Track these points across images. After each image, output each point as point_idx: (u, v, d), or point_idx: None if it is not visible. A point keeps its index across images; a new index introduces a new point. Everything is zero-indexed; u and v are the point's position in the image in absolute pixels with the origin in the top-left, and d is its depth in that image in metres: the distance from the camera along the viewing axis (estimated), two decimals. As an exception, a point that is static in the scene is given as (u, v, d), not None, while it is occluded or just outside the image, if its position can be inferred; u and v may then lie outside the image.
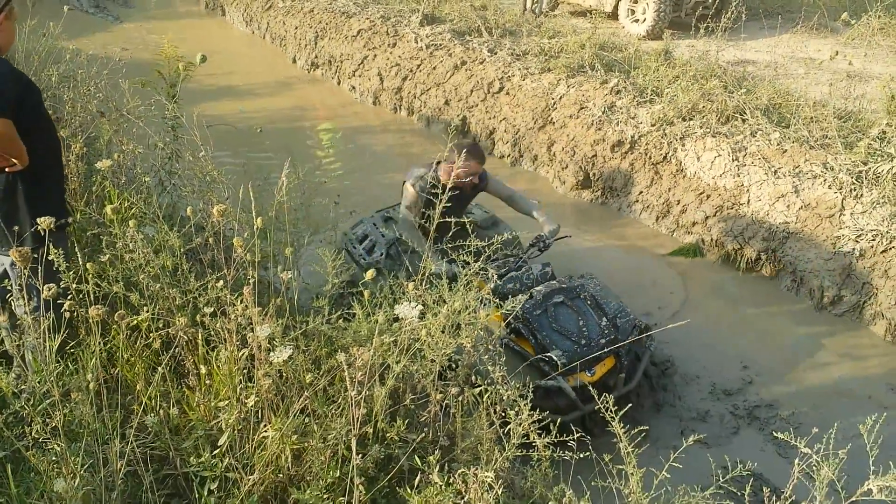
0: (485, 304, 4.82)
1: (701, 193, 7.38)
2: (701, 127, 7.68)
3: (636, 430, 2.43)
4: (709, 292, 6.69)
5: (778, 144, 7.12)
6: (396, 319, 2.94)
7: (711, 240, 7.09)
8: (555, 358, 4.46)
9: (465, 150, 4.63)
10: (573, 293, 4.99)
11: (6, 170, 3.29)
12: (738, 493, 2.54)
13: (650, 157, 7.87)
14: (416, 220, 5.20)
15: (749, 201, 6.99)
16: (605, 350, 4.66)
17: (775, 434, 2.69)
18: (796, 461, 2.21)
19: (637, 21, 11.73)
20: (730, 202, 7.12)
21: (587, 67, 9.33)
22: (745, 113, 7.73)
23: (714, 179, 7.33)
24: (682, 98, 8.03)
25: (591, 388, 2.93)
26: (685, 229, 7.41)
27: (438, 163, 5.22)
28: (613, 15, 12.17)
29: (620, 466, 2.40)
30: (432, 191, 4.86)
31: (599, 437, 3.72)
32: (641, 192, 7.87)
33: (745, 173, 7.11)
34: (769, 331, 6.10)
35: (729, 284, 6.78)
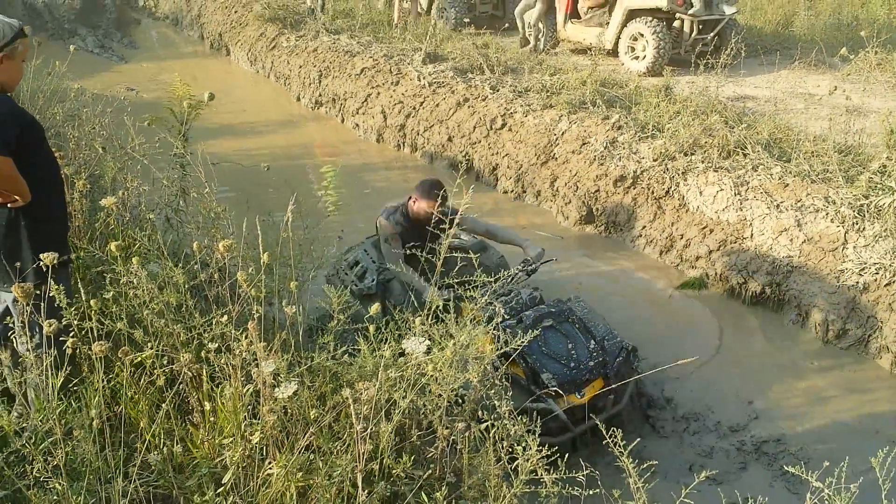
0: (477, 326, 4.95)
1: (704, 227, 7.38)
2: (703, 161, 7.70)
3: (645, 466, 2.40)
4: (714, 328, 6.65)
5: (780, 179, 7.13)
6: (402, 354, 2.93)
7: (715, 274, 7.08)
8: (545, 381, 4.53)
9: (421, 188, 5.12)
10: (562, 317, 5.06)
11: (9, 205, 3.30)
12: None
13: (653, 192, 7.89)
14: (401, 252, 5.17)
15: (752, 235, 6.99)
16: (594, 372, 4.78)
17: (786, 468, 2.66)
18: (808, 496, 2.17)
19: (637, 58, 11.81)
20: (733, 236, 7.12)
21: (588, 104, 9.38)
22: (746, 147, 7.75)
23: (717, 213, 7.34)
24: (684, 133, 8.06)
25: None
26: (689, 263, 7.39)
27: (410, 198, 5.38)
28: (613, 52, 12.27)
29: (630, 502, 2.37)
30: (404, 223, 5.26)
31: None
32: (644, 227, 7.87)
33: (748, 207, 7.11)
34: (775, 365, 6.06)
35: (733, 319, 6.74)
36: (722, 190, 7.34)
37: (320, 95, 12.95)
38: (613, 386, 4.71)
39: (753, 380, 5.82)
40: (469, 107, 10.36)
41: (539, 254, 5.41)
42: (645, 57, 11.63)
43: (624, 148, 8.39)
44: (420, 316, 3.37)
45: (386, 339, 3.21)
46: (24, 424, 2.63)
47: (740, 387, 5.71)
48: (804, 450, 5.06)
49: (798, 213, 6.74)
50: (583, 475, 2.47)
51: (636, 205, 8.00)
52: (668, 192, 7.79)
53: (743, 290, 6.87)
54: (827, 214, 6.58)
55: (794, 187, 6.98)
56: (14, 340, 3.40)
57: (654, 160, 8.00)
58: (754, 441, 5.15)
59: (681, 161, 7.83)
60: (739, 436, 5.22)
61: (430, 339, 3.15)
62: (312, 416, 2.85)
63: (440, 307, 3.34)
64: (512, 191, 9.35)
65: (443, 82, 11.03)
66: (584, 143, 8.76)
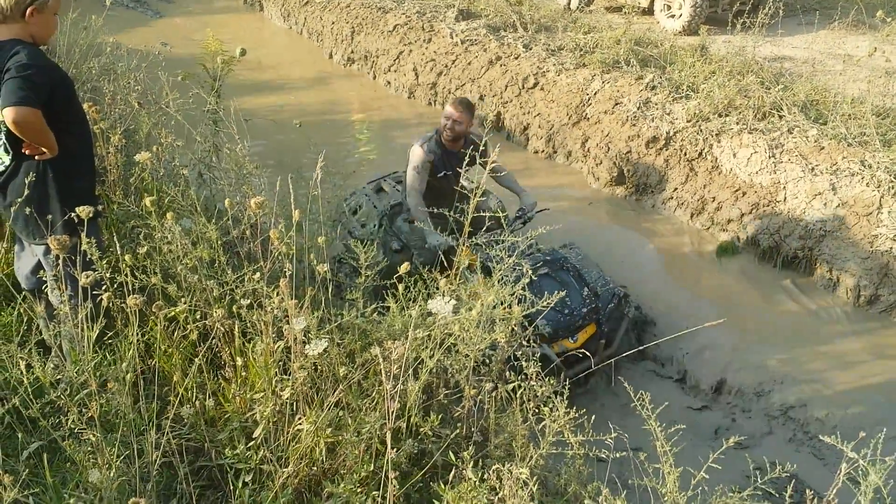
0: (473, 276, 5.10)
1: (737, 190, 7.29)
2: (737, 123, 7.59)
3: (673, 429, 2.41)
4: (743, 291, 6.61)
5: (815, 141, 7.02)
6: (430, 314, 2.94)
7: (747, 237, 7.02)
8: (540, 327, 4.63)
9: (456, 102, 5.36)
10: (557, 265, 5.30)
11: (36, 157, 3.33)
12: (776, 495, 2.51)
13: (685, 154, 7.80)
14: (422, 187, 5.39)
15: (785, 199, 6.90)
16: (587, 318, 5.04)
17: (820, 437, 2.65)
18: (843, 465, 2.16)
19: (673, 17, 11.61)
20: (766, 199, 7.03)
21: (622, 63, 9.25)
22: (781, 109, 7.63)
23: (750, 176, 7.25)
24: (719, 94, 7.93)
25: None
26: (720, 226, 7.33)
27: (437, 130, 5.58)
28: (649, 10, 12.05)
29: (657, 465, 2.38)
30: (437, 150, 5.45)
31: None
32: (676, 189, 7.80)
33: (782, 170, 7.01)
34: (804, 330, 6.02)
35: (764, 283, 6.69)
36: (756, 152, 7.23)
37: (352, 52, 12.88)
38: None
39: (781, 344, 5.79)
40: (501, 65, 10.26)
41: (533, 203, 5.60)
42: (681, 15, 11.42)
43: (657, 108, 8.29)
44: (447, 275, 3.39)
45: (414, 298, 3.23)
46: (59, 376, 2.68)
47: (766, 351, 5.69)
48: (831, 416, 5.04)
49: (833, 177, 6.63)
50: (610, 438, 2.48)
51: (668, 166, 7.92)
52: (700, 153, 7.70)
53: (774, 254, 6.81)
54: (862, 178, 6.47)
55: (830, 150, 6.87)
56: (47, 293, 3.47)
57: (688, 121, 7.90)
58: (781, 406, 5.14)
59: (715, 122, 7.72)
60: (767, 399, 5.21)
61: (457, 300, 3.17)
62: (342, 374, 2.88)
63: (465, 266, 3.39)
64: (542, 151, 9.28)
65: (475, 40, 10.92)
66: (616, 104, 8.66)
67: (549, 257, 5.31)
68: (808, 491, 2.48)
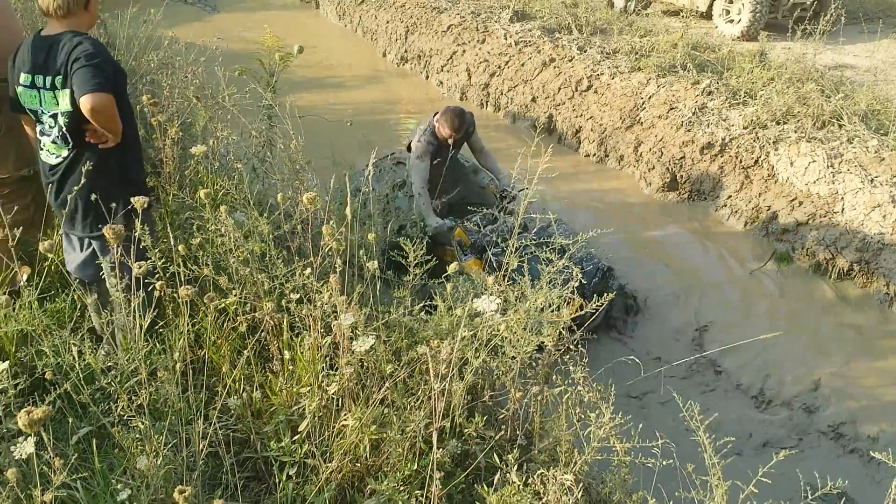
0: (465, 254, 5.61)
1: (793, 200, 7.15)
2: (795, 131, 7.45)
3: (722, 441, 2.36)
4: (797, 302, 6.48)
5: (875, 152, 6.86)
6: (477, 314, 2.93)
7: (802, 248, 6.87)
8: None
9: (445, 117, 5.85)
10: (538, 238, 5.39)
11: (99, 145, 3.39)
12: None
13: (741, 161, 7.67)
14: (426, 175, 5.86)
15: (843, 210, 6.75)
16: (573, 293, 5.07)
17: (872, 454, 2.58)
18: (894, 483, 2.10)
19: (732, 21, 11.45)
20: (823, 210, 6.88)
21: (678, 67, 9.15)
22: (841, 118, 7.47)
23: (807, 186, 7.10)
24: (777, 101, 7.80)
25: None
26: (775, 236, 7.19)
27: (435, 117, 6.02)
28: (707, 15, 11.91)
29: (704, 477, 2.34)
30: (433, 142, 5.92)
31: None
32: (730, 197, 7.67)
33: (840, 181, 6.86)
34: (858, 345, 5.87)
35: (818, 295, 6.55)
36: (814, 161, 7.09)
37: (406, 51, 12.91)
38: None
39: (833, 357, 5.66)
40: (555, 67, 10.20)
41: (512, 182, 6.00)
42: (740, 20, 11.27)
43: (713, 114, 8.17)
44: (496, 275, 3.38)
45: (461, 298, 3.23)
46: (110, 363, 2.72)
47: (819, 364, 5.56)
48: (882, 432, 4.91)
49: (893, 189, 6.47)
50: (657, 445, 2.44)
51: (722, 173, 7.79)
52: (757, 161, 7.57)
53: (829, 266, 6.65)
54: (925, 192, 6.30)
55: (891, 161, 6.70)
56: (99, 283, 3.53)
57: (745, 128, 7.77)
58: (831, 420, 5.03)
59: (772, 130, 7.59)
60: (817, 414, 5.10)
61: (504, 300, 3.16)
62: (388, 371, 2.88)
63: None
64: (594, 154, 9.20)
65: (529, 41, 10.88)
66: (671, 108, 8.55)
67: (536, 237, 5.36)
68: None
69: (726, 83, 8.66)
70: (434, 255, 3.81)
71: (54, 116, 3.36)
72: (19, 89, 3.41)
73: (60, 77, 3.25)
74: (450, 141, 5.92)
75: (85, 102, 3.12)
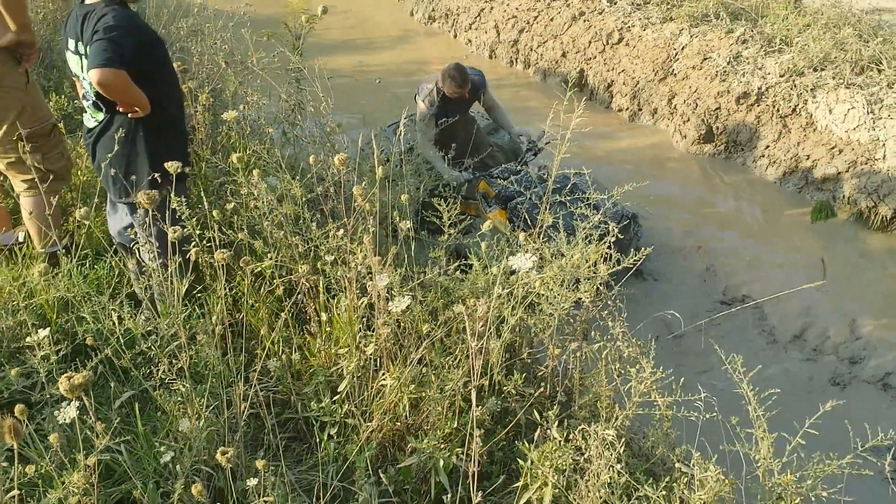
0: (490, 206, 5.69)
1: (833, 148, 6.99)
2: (833, 78, 7.27)
3: (767, 393, 2.32)
4: (838, 252, 6.36)
5: (919, 96, 6.68)
6: (514, 272, 2.90)
7: (843, 197, 6.73)
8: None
9: (445, 76, 5.70)
10: (568, 193, 5.38)
11: (129, 115, 3.40)
12: (877, 463, 2.41)
13: (778, 110, 7.51)
14: (433, 133, 5.87)
15: (885, 156, 6.59)
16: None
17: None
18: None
19: (766, -33, 11.16)
20: (864, 157, 6.72)
21: (711, 16, 8.94)
22: (881, 63, 7.27)
23: (847, 133, 6.94)
24: (814, 47, 7.60)
25: None
26: (815, 186, 7.05)
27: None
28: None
29: (749, 430, 2.31)
30: (440, 102, 5.83)
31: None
32: (768, 147, 7.53)
33: (881, 126, 6.69)
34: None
35: (860, 244, 6.43)
36: (853, 108, 6.91)
37: (433, 10, 12.77)
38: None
39: (878, 308, 5.56)
40: (585, 21, 10.03)
41: (539, 133, 5.96)
42: (775, -34, 10.96)
43: (748, 63, 7.99)
44: (531, 232, 3.36)
45: (496, 256, 3.21)
46: (150, 328, 2.75)
47: (863, 315, 5.46)
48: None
49: (938, 134, 6.30)
50: (699, 398, 2.41)
51: (759, 123, 7.64)
52: (794, 109, 7.41)
53: (872, 215, 6.52)
54: (970, 136, 6.13)
55: (935, 106, 6.52)
56: (137, 250, 3.56)
57: (781, 76, 7.60)
58: (876, 371, 4.96)
59: (810, 77, 7.41)
60: (862, 365, 5.03)
61: (540, 257, 3.13)
62: (425, 331, 2.88)
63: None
64: (627, 108, 9.06)
65: (558, -6, 10.70)
66: (705, 59, 8.37)
67: (559, 185, 5.35)
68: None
69: (761, 31, 8.45)
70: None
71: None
72: (67, 54, 3.49)
73: (87, 47, 3.26)
74: (465, 95, 5.84)
75: (92, 77, 3.14)
